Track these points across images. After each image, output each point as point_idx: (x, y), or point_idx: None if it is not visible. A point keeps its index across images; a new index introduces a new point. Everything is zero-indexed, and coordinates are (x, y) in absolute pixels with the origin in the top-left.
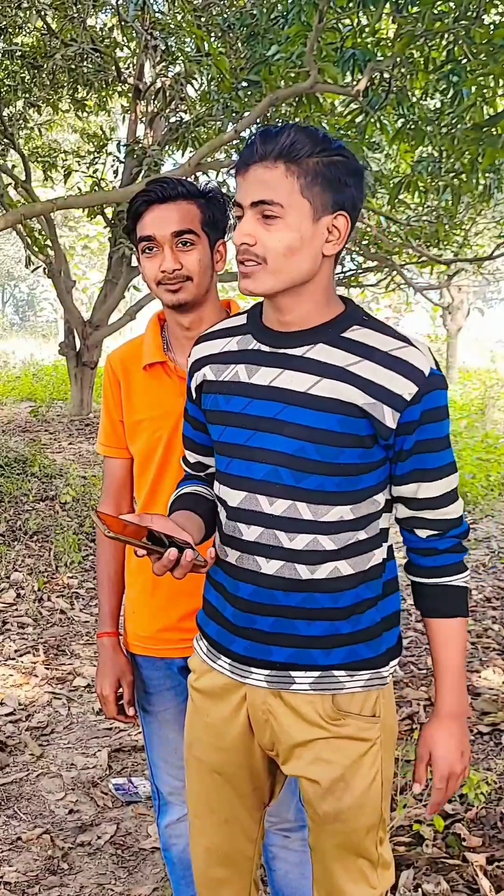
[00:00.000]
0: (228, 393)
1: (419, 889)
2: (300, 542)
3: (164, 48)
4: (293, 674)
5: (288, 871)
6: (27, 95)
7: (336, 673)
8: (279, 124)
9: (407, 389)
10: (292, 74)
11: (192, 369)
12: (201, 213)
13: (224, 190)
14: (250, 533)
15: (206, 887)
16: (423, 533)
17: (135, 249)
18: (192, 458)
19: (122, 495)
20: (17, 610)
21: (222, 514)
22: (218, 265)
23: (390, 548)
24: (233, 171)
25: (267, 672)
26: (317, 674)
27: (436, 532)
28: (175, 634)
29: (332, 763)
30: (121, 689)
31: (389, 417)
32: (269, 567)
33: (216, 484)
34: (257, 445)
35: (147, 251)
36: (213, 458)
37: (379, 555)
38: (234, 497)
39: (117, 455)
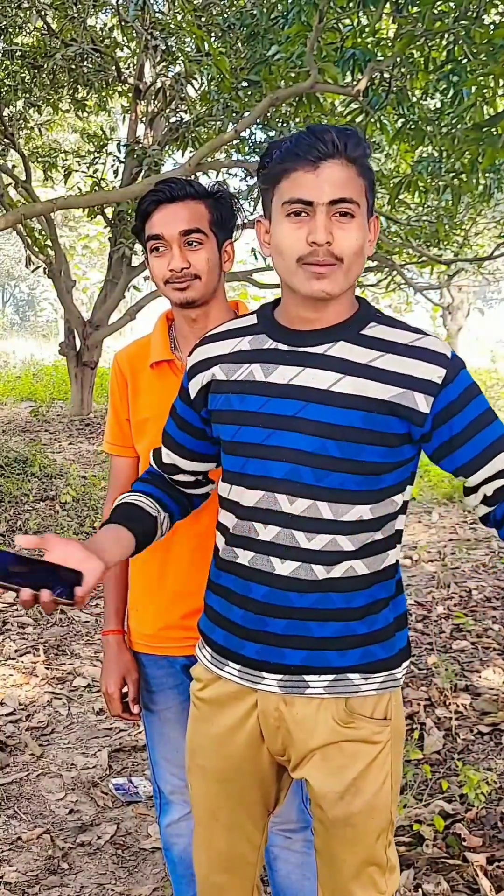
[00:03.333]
0: (242, 392)
1: (419, 889)
2: (319, 542)
3: (164, 48)
4: (307, 678)
5: (290, 871)
6: (27, 95)
7: (351, 676)
8: (318, 124)
9: (436, 373)
10: (292, 74)
11: (195, 370)
12: (210, 214)
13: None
14: (267, 533)
15: (208, 893)
16: None
17: (143, 249)
18: (168, 458)
19: None
20: (17, 610)
21: (231, 517)
22: (226, 265)
23: (399, 549)
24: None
25: (280, 677)
26: (331, 677)
27: None
28: (178, 633)
29: (343, 767)
30: (125, 688)
31: (423, 403)
32: (284, 568)
33: (226, 486)
34: (276, 444)
35: (155, 251)
36: (191, 464)
37: (393, 555)
38: (251, 497)
39: (124, 454)
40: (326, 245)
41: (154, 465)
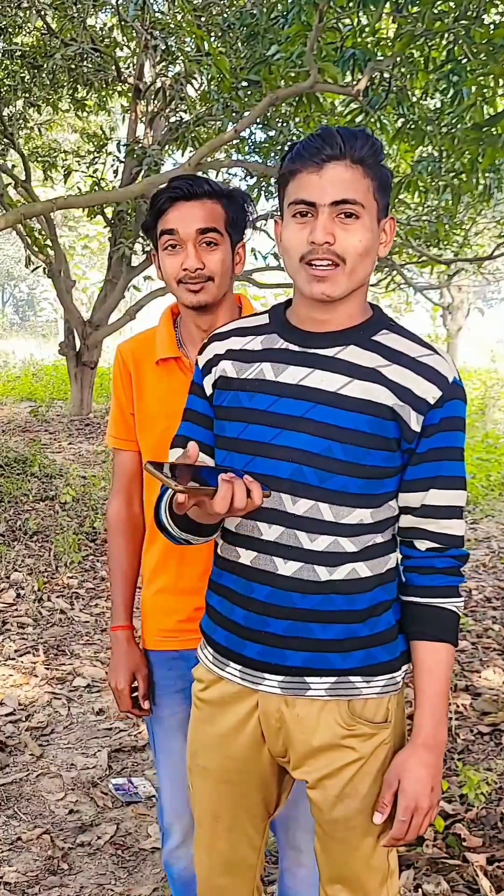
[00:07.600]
0: (252, 390)
1: (419, 889)
2: (321, 543)
3: (164, 48)
4: (308, 679)
5: (296, 885)
6: (27, 95)
7: (353, 678)
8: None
9: (431, 393)
10: (292, 74)
11: (207, 365)
12: (225, 213)
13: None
14: (270, 532)
15: (209, 895)
16: (422, 545)
17: (152, 247)
18: (199, 457)
19: (133, 489)
20: (17, 610)
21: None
22: (237, 267)
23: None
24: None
25: (281, 678)
26: (333, 679)
27: (435, 546)
28: (192, 625)
29: (342, 769)
30: (135, 683)
31: (414, 421)
32: (287, 568)
33: None
34: (283, 444)
35: (169, 248)
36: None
37: (395, 558)
38: None
39: (128, 448)
40: (326, 245)
41: None
